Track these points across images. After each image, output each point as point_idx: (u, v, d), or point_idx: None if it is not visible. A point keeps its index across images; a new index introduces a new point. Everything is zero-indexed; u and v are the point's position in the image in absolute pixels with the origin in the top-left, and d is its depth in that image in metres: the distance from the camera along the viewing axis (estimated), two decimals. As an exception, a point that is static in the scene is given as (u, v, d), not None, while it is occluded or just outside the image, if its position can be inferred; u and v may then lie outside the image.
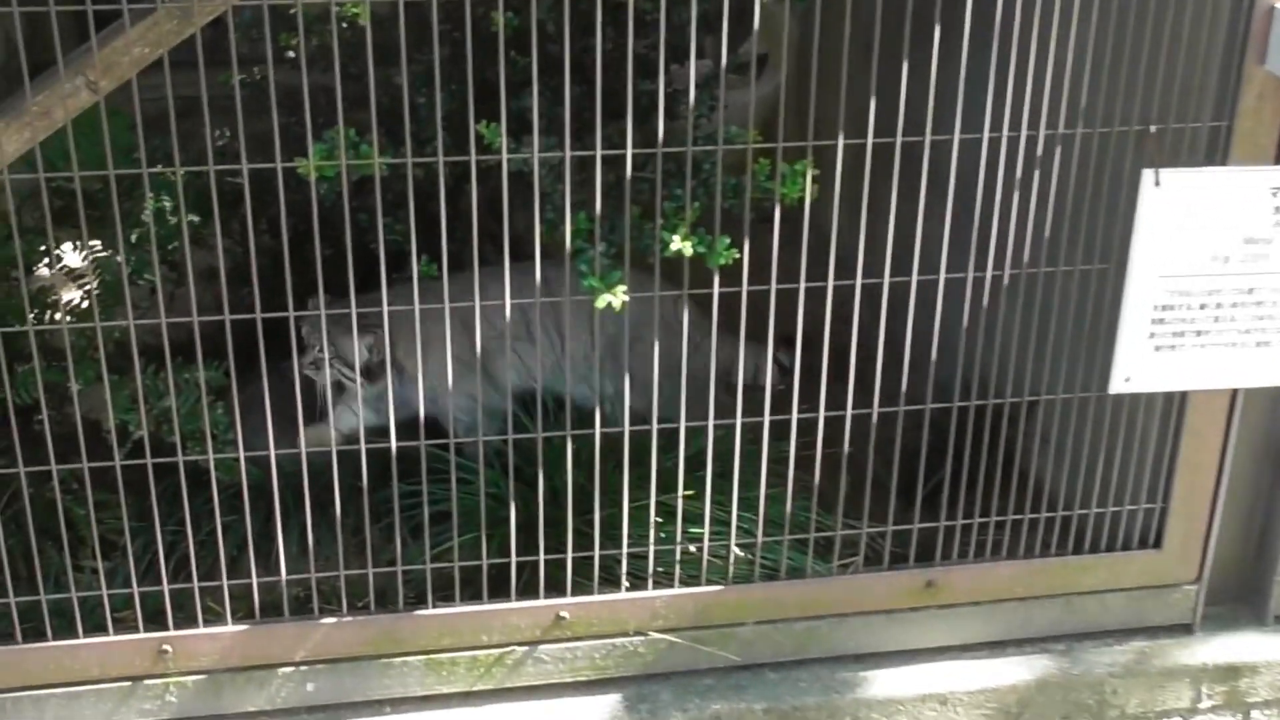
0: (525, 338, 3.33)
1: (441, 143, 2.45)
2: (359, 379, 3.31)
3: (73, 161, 2.37)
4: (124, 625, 2.69)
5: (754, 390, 2.88)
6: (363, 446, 2.61)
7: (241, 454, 2.63)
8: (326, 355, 3.28)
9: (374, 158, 2.44)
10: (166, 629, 2.67)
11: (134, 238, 3.10)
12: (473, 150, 2.44)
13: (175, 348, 2.61)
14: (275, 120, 2.38)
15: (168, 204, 3.10)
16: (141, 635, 2.66)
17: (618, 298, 2.50)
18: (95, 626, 2.68)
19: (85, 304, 3.12)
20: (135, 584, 2.64)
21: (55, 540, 2.82)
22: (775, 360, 3.30)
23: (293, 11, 2.51)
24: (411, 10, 2.33)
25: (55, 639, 2.65)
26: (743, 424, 2.71)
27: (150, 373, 2.77)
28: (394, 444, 2.60)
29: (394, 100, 2.64)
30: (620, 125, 2.50)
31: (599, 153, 2.47)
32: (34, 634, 2.66)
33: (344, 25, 2.85)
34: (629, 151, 2.46)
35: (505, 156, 2.46)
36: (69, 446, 2.67)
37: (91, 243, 3.27)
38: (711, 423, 2.67)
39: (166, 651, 2.67)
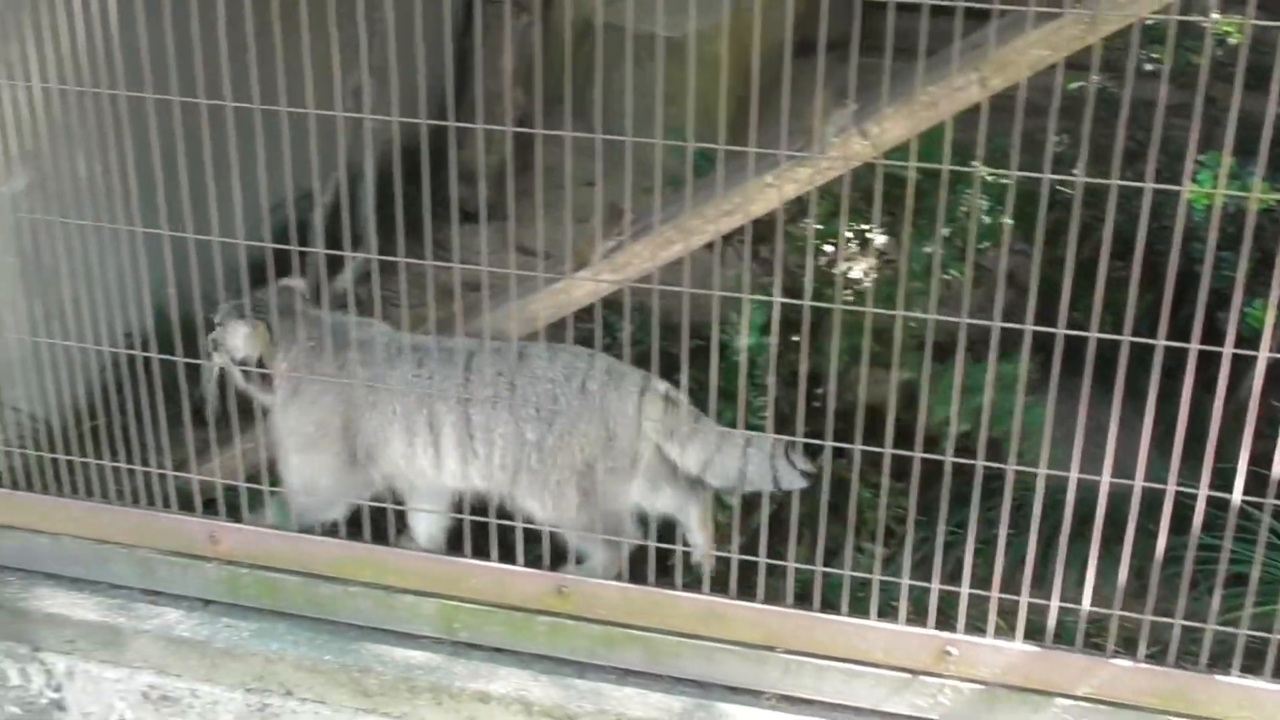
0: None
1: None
2: (239, 372, 2.99)
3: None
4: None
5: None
6: (1202, 492, 2.44)
7: (1042, 470, 2.53)
8: (218, 338, 3.00)
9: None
10: (952, 631, 2.66)
11: (947, 232, 3.12)
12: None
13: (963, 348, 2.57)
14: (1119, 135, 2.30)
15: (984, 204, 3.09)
16: (930, 631, 2.67)
17: None
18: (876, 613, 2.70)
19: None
20: (936, 580, 2.63)
21: (839, 516, 2.88)
22: (789, 460, 2.91)
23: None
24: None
25: (849, 615, 2.70)
26: None
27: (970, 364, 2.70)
28: (1203, 492, 2.41)
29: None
30: None
31: None
32: (824, 605, 2.72)
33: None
34: None
35: None
36: (845, 425, 2.68)
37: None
38: None
39: (951, 653, 2.66)
